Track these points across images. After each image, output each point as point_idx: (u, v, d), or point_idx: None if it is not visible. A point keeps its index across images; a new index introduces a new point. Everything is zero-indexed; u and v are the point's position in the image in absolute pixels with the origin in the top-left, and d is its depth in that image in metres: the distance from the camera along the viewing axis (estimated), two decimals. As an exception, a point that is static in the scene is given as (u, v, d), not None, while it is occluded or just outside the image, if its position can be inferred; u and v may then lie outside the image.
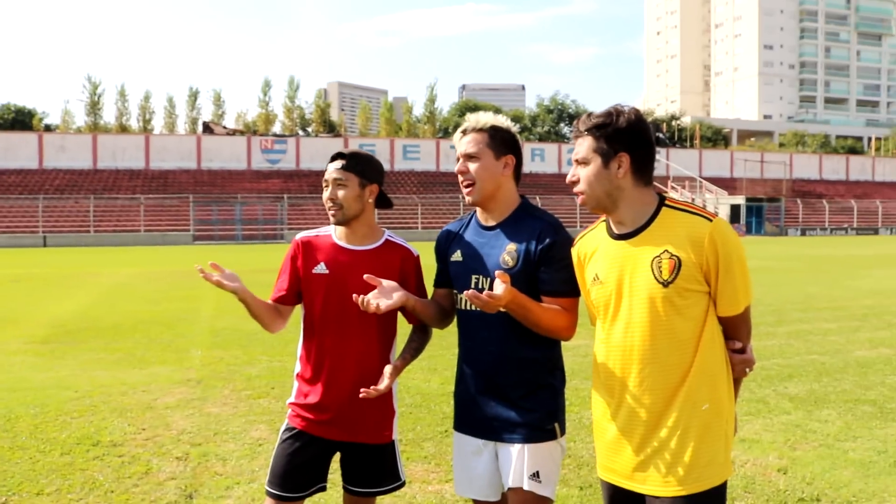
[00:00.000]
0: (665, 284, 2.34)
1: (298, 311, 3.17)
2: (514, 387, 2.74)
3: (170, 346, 9.88)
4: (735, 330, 2.45)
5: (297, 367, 3.13)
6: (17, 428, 6.11)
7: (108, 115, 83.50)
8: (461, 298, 2.81)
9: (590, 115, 2.47)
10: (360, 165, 3.03)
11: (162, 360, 8.96)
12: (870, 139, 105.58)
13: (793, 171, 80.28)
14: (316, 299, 3.02)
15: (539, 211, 2.84)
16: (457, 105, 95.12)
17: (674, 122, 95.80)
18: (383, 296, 2.76)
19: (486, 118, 2.84)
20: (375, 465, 3.06)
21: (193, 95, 78.27)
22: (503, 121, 2.87)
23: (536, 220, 2.78)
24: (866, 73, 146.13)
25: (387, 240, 3.12)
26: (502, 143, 2.81)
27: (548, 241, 2.70)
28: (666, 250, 2.36)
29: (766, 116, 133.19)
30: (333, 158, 3.06)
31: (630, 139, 2.41)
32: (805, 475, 4.95)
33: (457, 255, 2.85)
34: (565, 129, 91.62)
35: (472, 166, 2.78)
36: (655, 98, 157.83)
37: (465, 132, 2.83)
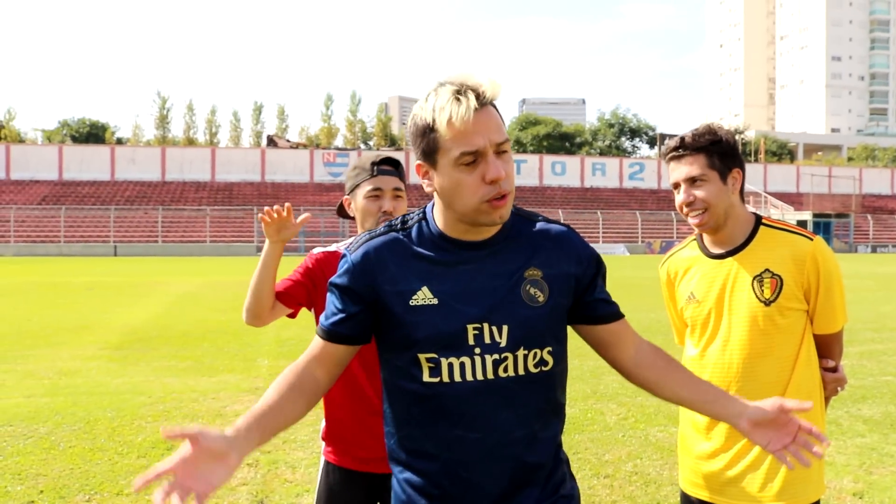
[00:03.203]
0: (767, 303, 2.37)
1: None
2: (551, 475, 1.86)
3: (237, 356, 10.10)
4: (829, 348, 2.47)
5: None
6: (96, 430, 6.32)
7: (177, 129, 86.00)
8: (446, 365, 1.74)
9: (695, 133, 2.42)
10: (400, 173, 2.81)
11: (230, 368, 9.16)
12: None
13: (862, 186, 78.18)
14: None
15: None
16: (517, 119, 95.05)
17: (737, 136, 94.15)
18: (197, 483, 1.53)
19: None
20: None
21: (258, 110, 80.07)
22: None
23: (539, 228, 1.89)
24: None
25: None
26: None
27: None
28: (767, 269, 2.38)
29: (833, 130, 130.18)
30: (380, 164, 2.76)
31: (738, 155, 2.44)
32: (883, 500, 4.83)
33: (423, 295, 1.77)
34: (626, 144, 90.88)
35: None
36: (718, 112, 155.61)
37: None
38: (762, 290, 2.37)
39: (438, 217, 1.82)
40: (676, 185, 2.44)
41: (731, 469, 2.41)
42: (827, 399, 2.49)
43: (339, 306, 1.81)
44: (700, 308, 2.49)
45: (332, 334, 1.82)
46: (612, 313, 1.90)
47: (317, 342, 1.84)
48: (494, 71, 1.76)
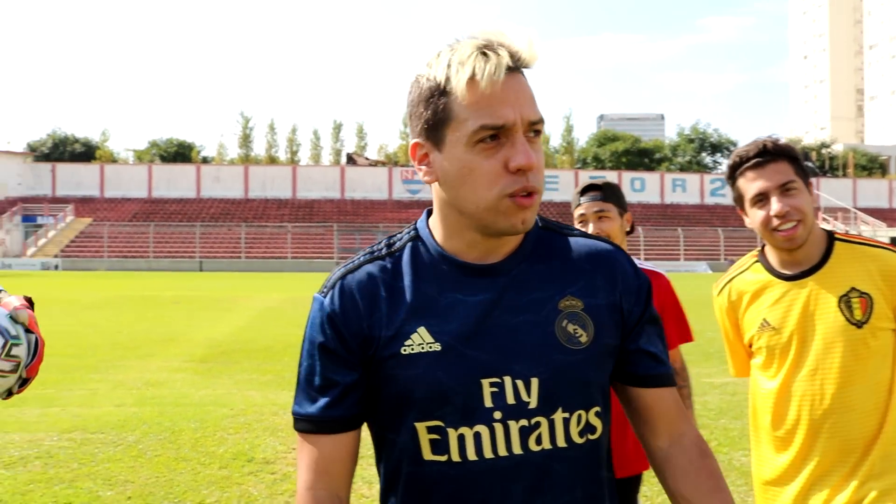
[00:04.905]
0: (859, 325, 2.17)
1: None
2: None
3: (316, 369, 10.27)
4: None
5: None
6: (181, 440, 6.51)
7: (259, 148, 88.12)
8: (455, 437, 1.28)
9: (772, 140, 2.23)
10: (616, 195, 2.83)
11: (310, 382, 9.32)
12: None
13: (960, 201, 74.67)
14: None
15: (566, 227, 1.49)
16: (595, 135, 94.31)
17: (824, 150, 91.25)
18: None
19: None
20: None
21: (337, 128, 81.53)
22: None
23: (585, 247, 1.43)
24: None
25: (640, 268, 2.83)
26: None
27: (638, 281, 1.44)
28: (854, 288, 2.18)
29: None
30: (585, 191, 2.81)
31: (808, 167, 2.31)
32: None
33: (420, 339, 1.30)
34: (707, 159, 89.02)
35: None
36: (803, 125, 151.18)
37: None
38: (851, 312, 2.17)
39: (438, 230, 1.37)
40: (760, 197, 2.20)
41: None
42: None
43: (328, 377, 1.32)
44: (778, 336, 2.26)
45: (326, 423, 1.32)
46: (658, 376, 1.40)
47: (311, 447, 1.33)
48: (532, 33, 1.26)
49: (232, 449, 6.26)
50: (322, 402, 1.31)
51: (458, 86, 1.22)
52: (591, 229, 2.68)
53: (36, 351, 2.04)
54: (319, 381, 1.32)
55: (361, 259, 1.37)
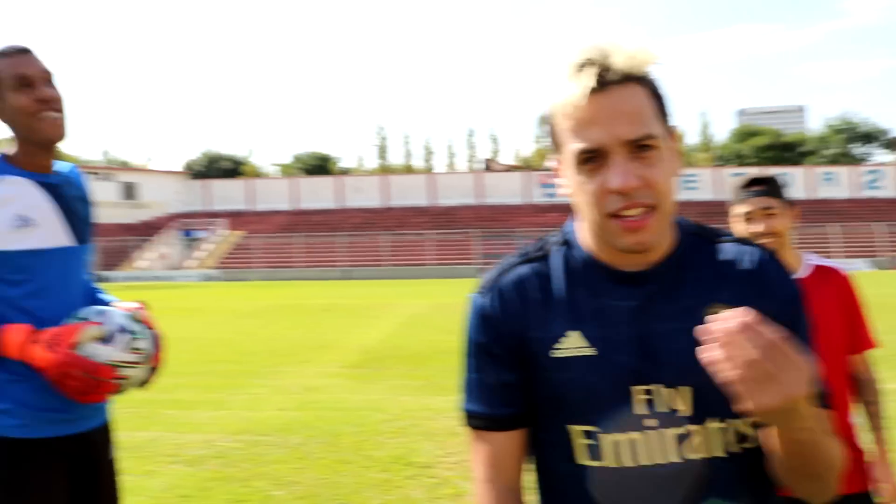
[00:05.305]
0: None
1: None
2: None
3: (465, 374, 10.38)
4: None
5: None
6: (341, 444, 6.74)
7: (396, 157, 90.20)
8: (609, 442, 1.30)
9: None
10: (782, 189, 2.66)
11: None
12: None
13: None
14: None
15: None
16: (735, 131, 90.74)
17: None
18: None
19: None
20: None
21: (471, 135, 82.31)
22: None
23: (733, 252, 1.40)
24: None
25: (815, 265, 2.67)
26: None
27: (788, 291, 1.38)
28: None
29: None
30: (749, 185, 2.64)
31: None
32: None
33: (573, 342, 1.33)
34: (858, 150, 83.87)
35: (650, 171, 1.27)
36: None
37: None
38: None
39: (583, 235, 1.37)
40: None
41: None
42: None
43: (491, 375, 1.37)
44: None
45: (497, 420, 1.37)
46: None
47: (483, 443, 1.39)
48: (641, 37, 1.24)
49: (391, 453, 6.42)
50: (488, 399, 1.36)
51: (554, 112, 1.28)
52: (758, 228, 2.55)
53: (157, 344, 2.46)
54: (483, 379, 1.37)
55: (514, 260, 1.41)
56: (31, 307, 2.29)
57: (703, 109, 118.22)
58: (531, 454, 1.41)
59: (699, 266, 1.35)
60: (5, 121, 2.32)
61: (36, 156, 2.34)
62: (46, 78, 2.32)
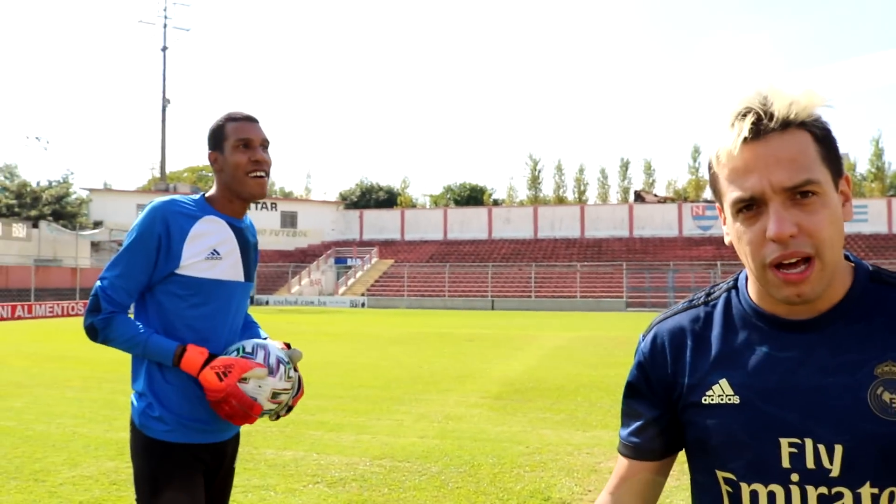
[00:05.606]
0: None
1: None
2: None
3: (610, 412, 10.09)
4: None
5: None
6: (480, 474, 6.69)
7: (547, 188, 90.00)
8: (748, 492, 1.28)
9: None
10: None
11: (604, 424, 9.17)
12: None
13: None
14: None
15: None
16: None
17: None
18: None
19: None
20: None
21: (625, 166, 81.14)
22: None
23: None
24: None
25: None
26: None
27: None
28: None
29: None
30: None
31: None
32: None
33: (722, 389, 1.32)
34: None
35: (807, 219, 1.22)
36: None
37: None
38: None
39: (752, 284, 1.34)
40: None
41: None
42: None
43: (634, 409, 1.47)
44: None
45: (628, 448, 1.48)
46: None
47: (619, 463, 1.50)
48: (805, 81, 1.21)
49: (529, 486, 6.32)
50: (628, 429, 1.47)
51: (713, 161, 1.28)
52: None
53: (300, 386, 2.78)
54: (628, 411, 1.48)
55: (679, 307, 1.45)
56: (201, 327, 2.64)
57: (875, 135, 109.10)
58: (691, 493, 1.44)
59: (872, 316, 1.25)
60: (217, 170, 2.70)
61: (234, 203, 2.72)
62: (264, 145, 2.71)
